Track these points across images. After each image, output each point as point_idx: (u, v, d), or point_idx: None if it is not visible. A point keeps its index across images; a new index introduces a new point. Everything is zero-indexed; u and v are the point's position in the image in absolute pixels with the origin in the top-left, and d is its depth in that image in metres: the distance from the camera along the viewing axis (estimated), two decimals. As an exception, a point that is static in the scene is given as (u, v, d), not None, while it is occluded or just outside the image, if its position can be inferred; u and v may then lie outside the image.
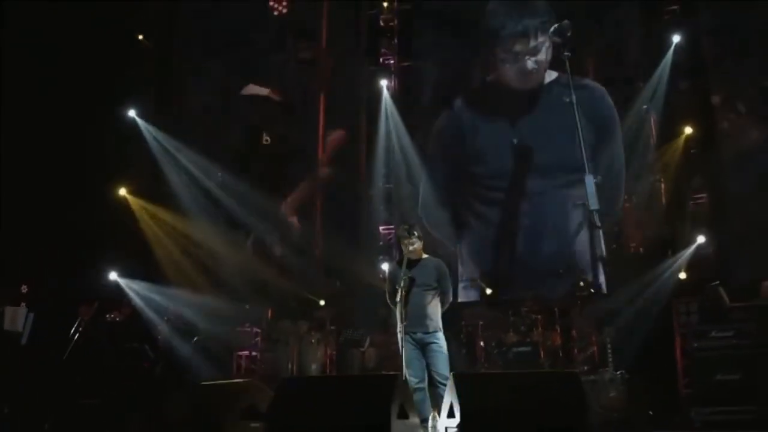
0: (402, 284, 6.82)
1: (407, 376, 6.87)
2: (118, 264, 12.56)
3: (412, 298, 7.00)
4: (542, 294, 11.38)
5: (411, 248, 7.11)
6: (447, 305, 7.30)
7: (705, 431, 8.58)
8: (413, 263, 7.16)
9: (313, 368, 11.13)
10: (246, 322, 12.12)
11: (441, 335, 7.06)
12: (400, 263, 7.16)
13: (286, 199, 13.69)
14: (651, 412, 9.63)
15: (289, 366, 11.22)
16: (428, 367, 6.94)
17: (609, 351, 9.69)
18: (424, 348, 6.99)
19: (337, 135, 13.75)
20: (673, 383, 9.94)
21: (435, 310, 7.10)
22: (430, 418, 6.23)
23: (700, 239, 11.60)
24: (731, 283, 10.67)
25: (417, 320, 6.99)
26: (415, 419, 5.35)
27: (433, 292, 7.11)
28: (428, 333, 7.00)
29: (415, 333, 6.99)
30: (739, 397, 8.60)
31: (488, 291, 12.01)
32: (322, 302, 12.10)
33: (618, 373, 9.50)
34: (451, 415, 5.10)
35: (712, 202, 12.08)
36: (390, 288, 7.11)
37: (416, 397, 6.81)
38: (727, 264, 11.61)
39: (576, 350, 10.53)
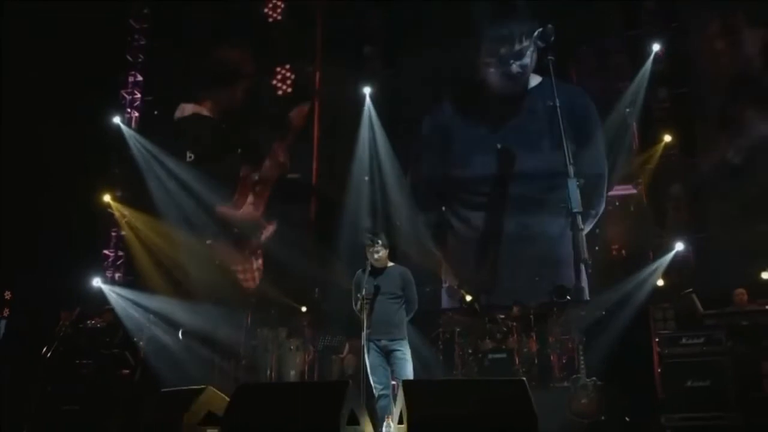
0: (364, 292, 6.88)
1: (372, 382, 6.94)
2: (100, 270, 12.65)
3: (377, 305, 7.06)
4: (522, 300, 11.47)
5: (376, 256, 7.16)
6: (412, 313, 7.34)
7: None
8: (379, 271, 7.22)
9: (292, 374, 11.19)
10: (227, 328, 12.18)
11: (405, 343, 7.10)
12: (366, 271, 7.21)
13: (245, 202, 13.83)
14: (627, 419, 9.71)
15: (268, 372, 11.27)
16: (393, 374, 6.99)
17: (581, 358, 9.74)
18: (388, 355, 7.03)
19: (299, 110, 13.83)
20: (651, 389, 9.99)
21: (400, 317, 7.14)
22: (384, 424, 6.28)
23: (679, 246, 11.70)
24: (709, 290, 10.77)
25: (382, 328, 7.04)
26: (368, 426, 5.41)
27: (398, 300, 7.15)
28: (393, 340, 7.04)
29: (379, 340, 7.04)
30: (709, 404, 8.65)
31: (468, 298, 12.05)
32: (303, 309, 12.17)
33: (590, 379, 9.53)
34: (401, 421, 5.16)
35: (690, 209, 12.16)
36: (355, 295, 7.17)
37: (381, 403, 6.89)
38: (705, 271, 11.71)
39: (553, 357, 10.57)
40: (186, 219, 13.14)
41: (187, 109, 14.49)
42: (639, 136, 12.63)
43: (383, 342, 7.05)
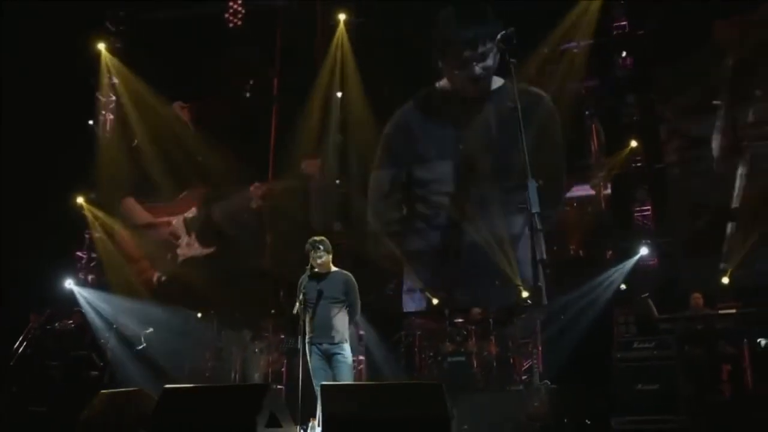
0: (301, 297, 7.03)
1: (315, 385, 7.06)
2: (73, 271, 12.79)
3: (319, 310, 7.19)
4: (482, 303, 11.62)
5: (319, 261, 7.29)
6: (355, 317, 7.48)
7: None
8: (322, 276, 7.34)
9: (256, 377, 11.32)
10: (195, 331, 12.32)
11: (347, 346, 7.23)
12: (310, 276, 7.35)
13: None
14: (588, 421, 9.82)
15: (233, 375, 11.39)
16: (333, 377, 7.11)
17: (535, 361, 9.87)
18: (329, 359, 7.15)
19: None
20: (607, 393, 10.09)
21: (341, 322, 7.26)
22: (309, 426, 6.41)
23: (643, 251, 11.81)
24: (673, 294, 10.90)
25: (323, 331, 7.17)
26: (291, 428, 5.54)
27: (340, 305, 7.27)
28: (334, 344, 7.16)
29: (321, 344, 7.17)
30: (658, 407, 8.76)
31: (435, 301, 12.18)
32: (273, 311, 12.29)
33: (542, 383, 9.65)
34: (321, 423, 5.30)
35: (655, 214, 12.27)
36: (299, 298, 7.30)
37: (322, 405, 7.00)
38: (668, 276, 11.83)
39: (512, 360, 10.69)
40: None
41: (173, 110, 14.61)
42: (606, 140, 12.71)
43: (325, 346, 7.17)
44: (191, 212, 14.25)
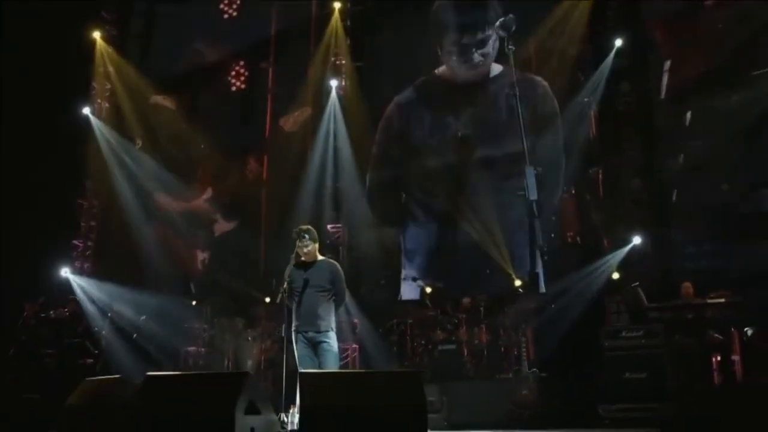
0: (285, 286, 7.06)
1: (300, 373, 7.11)
2: (70, 260, 12.86)
3: (305, 298, 7.25)
4: (475, 291, 11.66)
5: (305, 250, 7.33)
6: (341, 306, 7.54)
7: (614, 428, 8.74)
8: (308, 265, 7.38)
9: (249, 364, 11.36)
10: (192, 318, 12.37)
11: (332, 335, 7.27)
12: (296, 265, 7.39)
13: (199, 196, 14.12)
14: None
15: (226, 362, 11.45)
16: (319, 365, 7.16)
17: (524, 349, 9.90)
18: (315, 347, 7.20)
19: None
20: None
21: (327, 310, 7.31)
22: (290, 413, 6.47)
23: (636, 240, 11.80)
24: (668, 283, 10.90)
25: (309, 320, 7.22)
26: (271, 414, 5.59)
27: (326, 294, 7.31)
28: (319, 332, 7.21)
29: (307, 332, 7.22)
30: (646, 395, 8.81)
31: (428, 290, 12.20)
32: (267, 299, 12.32)
33: (531, 371, 9.69)
34: (301, 410, 5.34)
35: (650, 203, 12.26)
36: (287, 287, 7.34)
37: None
38: (663, 265, 11.83)
39: (503, 348, 10.71)
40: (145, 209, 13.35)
41: (155, 100, 14.68)
42: (600, 129, 12.69)
43: (310, 334, 7.23)
44: (207, 193, 14.44)
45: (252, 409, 5.29)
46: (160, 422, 5.29)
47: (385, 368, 10.66)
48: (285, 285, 7.09)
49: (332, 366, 7.12)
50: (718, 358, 9.41)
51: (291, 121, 13.92)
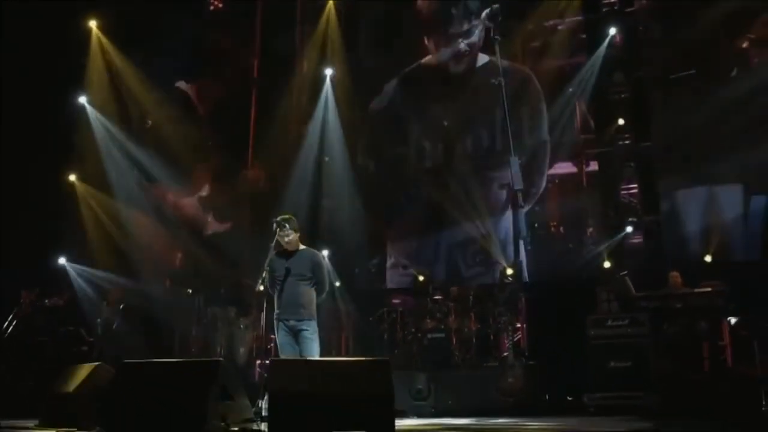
0: (264, 275, 7.14)
1: (283, 361, 7.19)
2: (62, 249, 12.96)
3: (286, 287, 7.32)
4: (463, 280, 11.75)
5: (286, 240, 7.39)
6: (323, 295, 7.58)
7: (598, 416, 8.81)
8: (290, 254, 7.45)
9: (242, 352, 11.47)
10: (187, 306, 12.48)
11: (313, 323, 7.34)
12: (278, 254, 7.47)
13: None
14: (570, 398, 9.96)
15: (219, 350, 11.55)
16: (300, 353, 7.24)
17: (510, 337, 9.98)
18: (296, 335, 7.28)
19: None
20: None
21: (309, 299, 7.36)
22: (264, 399, 6.55)
23: (629, 229, 11.85)
24: (660, 272, 10.92)
25: (290, 308, 7.29)
26: (244, 400, 5.69)
27: (307, 282, 7.37)
28: (301, 321, 7.27)
29: (288, 320, 7.29)
30: (630, 383, 8.88)
31: (421, 278, 12.26)
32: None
33: (517, 359, 9.76)
34: (274, 397, 5.42)
35: (642, 192, 12.28)
36: (270, 276, 7.43)
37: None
38: (655, 254, 11.86)
39: (492, 337, 10.78)
40: (141, 200, 13.44)
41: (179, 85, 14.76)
42: (591, 117, 12.70)
43: (291, 322, 7.29)
44: (204, 190, 14.43)
45: (224, 396, 5.38)
46: (132, 409, 5.39)
47: (375, 356, 10.72)
48: (264, 274, 7.15)
49: (313, 354, 7.19)
50: (707, 347, 9.44)
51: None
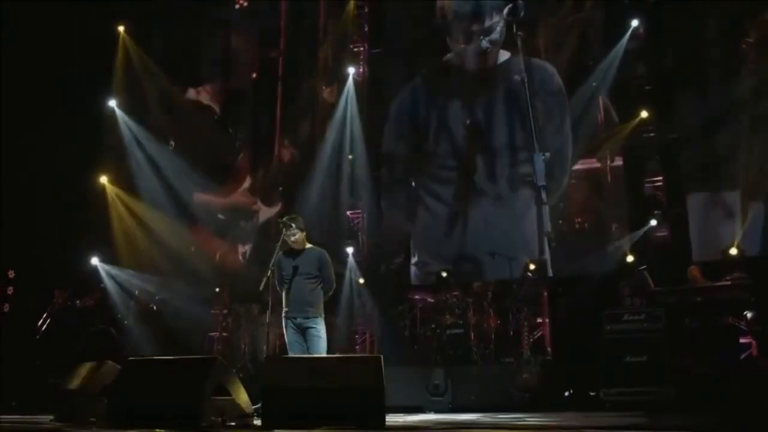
0: (269, 273, 7.28)
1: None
2: (94, 249, 13.28)
3: (294, 285, 7.47)
4: (486, 276, 11.76)
5: (293, 239, 7.54)
6: (330, 293, 7.72)
7: (614, 411, 8.77)
8: (297, 253, 7.60)
9: (264, 349, 11.59)
10: (216, 305, 12.71)
11: (321, 321, 7.47)
12: (286, 253, 7.62)
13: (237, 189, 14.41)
14: (592, 394, 9.91)
15: (243, 347, 11.75)
16: (308, 351, 7.37)
17: (527, 333, 9.97)
18: (303, 332, 7.42)
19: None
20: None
21: (316, 297, 7.51)
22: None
23: (652, 222, 11.74)
24: (682, 266, 10.81)
25: (298, 306, 7.44)
26: (242, 395, 5.83)
27: (314, 281, 7.51)
28: (308, 318, 7.42)
29: (296, 318, 7.44)
30: (646, 379, 8.83)
31: (444, 274, 12.29)
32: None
33: (535, 355, 9.77)
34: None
35: (666, 186, 12.15)
36: (278, 275, 7.58)
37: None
38: (680, 248, 11.73)
39: (511, 332, 10.78)
40: (168, 203, 13.69)
41: (190, 93, 15.00)
42: (614, 111, 12.58)
43: (299, 320, 7.45)
44: (246, 183, 14.68)
45: (221, 392, 5.53)
46: (132, 405, 5.57)
47: (396, 352, 10.83)
48: (269, 273, 7.30)
49: (321, 351, 7.32)
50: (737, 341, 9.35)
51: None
